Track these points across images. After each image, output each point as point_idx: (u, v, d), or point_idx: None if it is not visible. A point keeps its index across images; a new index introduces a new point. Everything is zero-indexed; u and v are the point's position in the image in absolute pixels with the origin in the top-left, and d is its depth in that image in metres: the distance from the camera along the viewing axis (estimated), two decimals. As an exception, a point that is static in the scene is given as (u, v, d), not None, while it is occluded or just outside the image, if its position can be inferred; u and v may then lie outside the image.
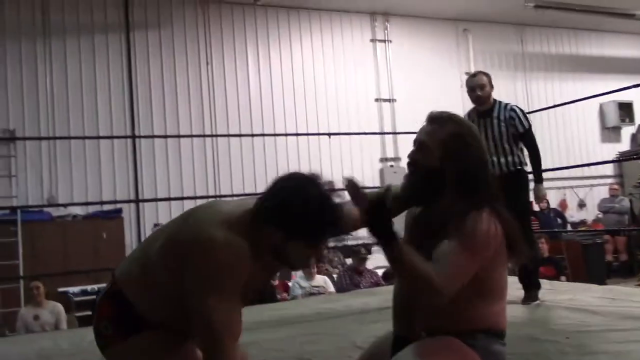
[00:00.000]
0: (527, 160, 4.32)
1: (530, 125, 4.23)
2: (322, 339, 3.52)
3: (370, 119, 10.11)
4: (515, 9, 10.06)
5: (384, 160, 10.10)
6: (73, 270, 7.15)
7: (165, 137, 8.70)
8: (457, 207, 1.75)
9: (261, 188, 1.97)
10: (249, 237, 1.69)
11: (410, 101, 9.84)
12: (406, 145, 2.27)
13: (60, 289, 7.21)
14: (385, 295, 4.46)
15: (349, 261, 7.79)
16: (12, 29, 8.16)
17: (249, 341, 3.24)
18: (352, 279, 6.81)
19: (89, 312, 6.55)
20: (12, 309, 6.83)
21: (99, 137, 8.35)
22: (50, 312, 6.14)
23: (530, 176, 4.32)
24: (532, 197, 4.39)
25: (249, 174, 8.98)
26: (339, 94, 10.01)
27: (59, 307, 6.24)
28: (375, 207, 1.64)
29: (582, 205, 11.81)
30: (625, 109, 12.07)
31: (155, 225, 7.90)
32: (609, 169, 12.16)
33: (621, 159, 12.00)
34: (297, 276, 7.14)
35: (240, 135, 8.90)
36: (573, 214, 11.56)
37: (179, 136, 8.77)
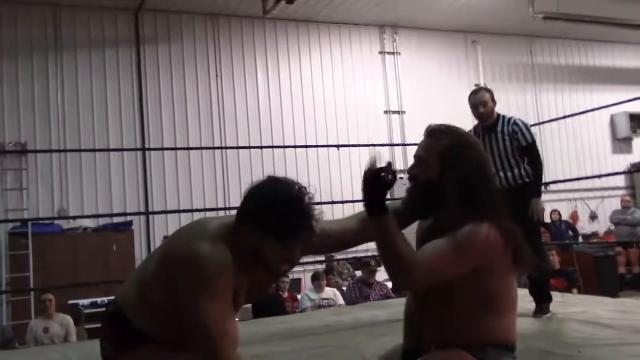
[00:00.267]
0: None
1: (533, 139, 4.19)
2: (330, 352, 3.49)
3: (380, 131, 10.12)
4: (524, 20, 10.05)
5: (393, 172, 10.07)
6: (83, 282, 7.16)
7: (175, 149, 8.75)
8: (458, 218, 1.75)
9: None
10: (233, 246, 1.77)
11: (420, 113, 9.83)
12: (415, 158, 2.26)
13: (71, 301, 7.22)
14: (395, 307, 4.44)
15: (358, 273, 7.75)
16: (24, 43, 8.27)
17: (257, 354, 3.23)
18: (362, 291, 6.77)
19: (99, 325, 6.54)
20: (23, 321, 6.84)
21: (109, 150, 8.41)
22: (59, 324, 6.14)
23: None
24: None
25: (258, 186, 8.97)
26: (348, 106, 10.03)
27: (68, 319, 6.24)
28: (375, 174, 1.66)
29: (593, 217, 11.72)
30: (637, 119, 12.01)
31: (165, 237, 7.91)
32: (620, 181, 12.07)
33: (633, 171, 11.91)
34: (307, 288, 7.12)
35: (249, 148, 8.92)
36: (584, 226, 11.47)
37: (188, 148, 8.82)
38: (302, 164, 9.27)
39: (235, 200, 8.76)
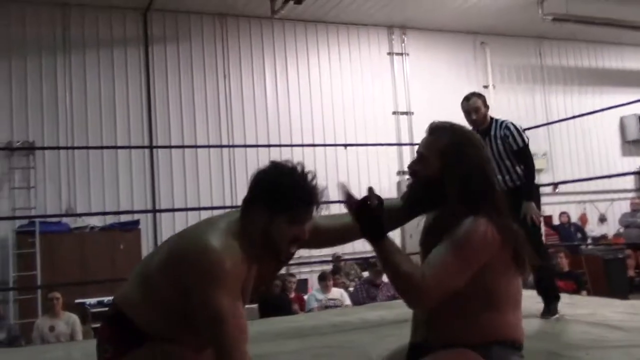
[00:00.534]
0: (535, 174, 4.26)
1: (525, 143, 4.16)
2: (336, 352, 3.48)
3: (388, 131, 10.09)
4: (533, 22, 10.01)
5: (401, 173, 10.05)
6: (89, 280, 7.17)
7: (183, 147, 8.76)
8: (456, 214, 1.76)
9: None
10: (242, 236, 1.79)
11: (428, 114, 9.64)
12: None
13: (78, 300, 7.23)
14: (401, 308, 4.39)
15: (365, 274, 7.74)
16: (32, 42, 8.30)
17: (263, 353, 3.22)
18: (369, 291, 6.75)
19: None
20: (30, 320, 6.86)
21: (116, 147, 8.42)
22: (65, 323, 6.15)
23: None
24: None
25: (265, 185, 8.98)
26: (356, 106, 10.02)
27: (74, 318, 6.24)
28: (361, 206, 1.70)
29: (602, 219, 11.65)
30: (647, 122, 11.92)
31: (172, 236, 7.91)
32: (629, 183, 12.00)
33: (642, 173, 11.83)
34: (314, 289, 7.10)
35: (257, 146, 8.90)
36: (593, 229, 11.41)
37: (196, 146, 8.83)
38: (310, 163, 9.17)
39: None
